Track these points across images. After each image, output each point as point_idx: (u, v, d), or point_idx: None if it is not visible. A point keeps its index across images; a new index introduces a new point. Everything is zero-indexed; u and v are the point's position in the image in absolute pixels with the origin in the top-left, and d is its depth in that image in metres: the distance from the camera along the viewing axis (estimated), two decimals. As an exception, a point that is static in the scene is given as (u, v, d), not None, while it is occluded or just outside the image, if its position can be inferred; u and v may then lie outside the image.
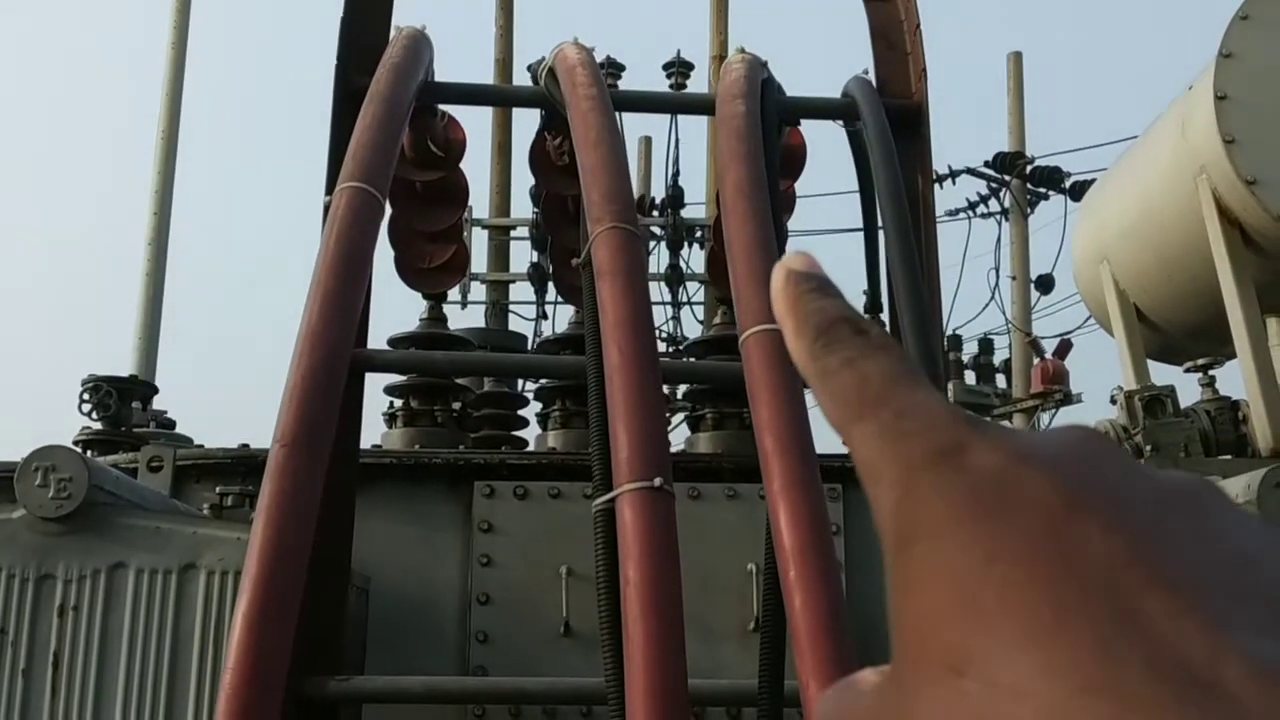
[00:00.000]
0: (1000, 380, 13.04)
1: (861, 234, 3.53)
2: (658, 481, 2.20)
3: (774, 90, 3.11)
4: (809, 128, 3.61)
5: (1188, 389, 5.37)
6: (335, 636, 2.70)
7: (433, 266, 3.93)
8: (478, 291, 8.92)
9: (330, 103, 3.01)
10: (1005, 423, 11.60)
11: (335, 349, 2.31)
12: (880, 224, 3.04)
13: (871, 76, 3.29)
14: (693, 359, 4.58)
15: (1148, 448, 4.62)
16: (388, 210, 3.75)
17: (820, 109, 3.31)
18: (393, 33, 3.12)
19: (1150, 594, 0.29)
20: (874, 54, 3.31)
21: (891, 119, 3.03)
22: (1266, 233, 4.87)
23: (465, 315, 8.78)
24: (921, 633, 0.31)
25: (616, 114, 3.05)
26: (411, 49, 2.92)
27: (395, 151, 2.71)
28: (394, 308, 4.30)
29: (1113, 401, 5.20)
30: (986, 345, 13.06)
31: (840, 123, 3.27)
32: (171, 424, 5.22)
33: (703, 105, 3.26)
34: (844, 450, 0.38)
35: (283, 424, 2.20)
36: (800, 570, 2.15)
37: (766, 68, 3.16)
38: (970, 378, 12.60)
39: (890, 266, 2.86)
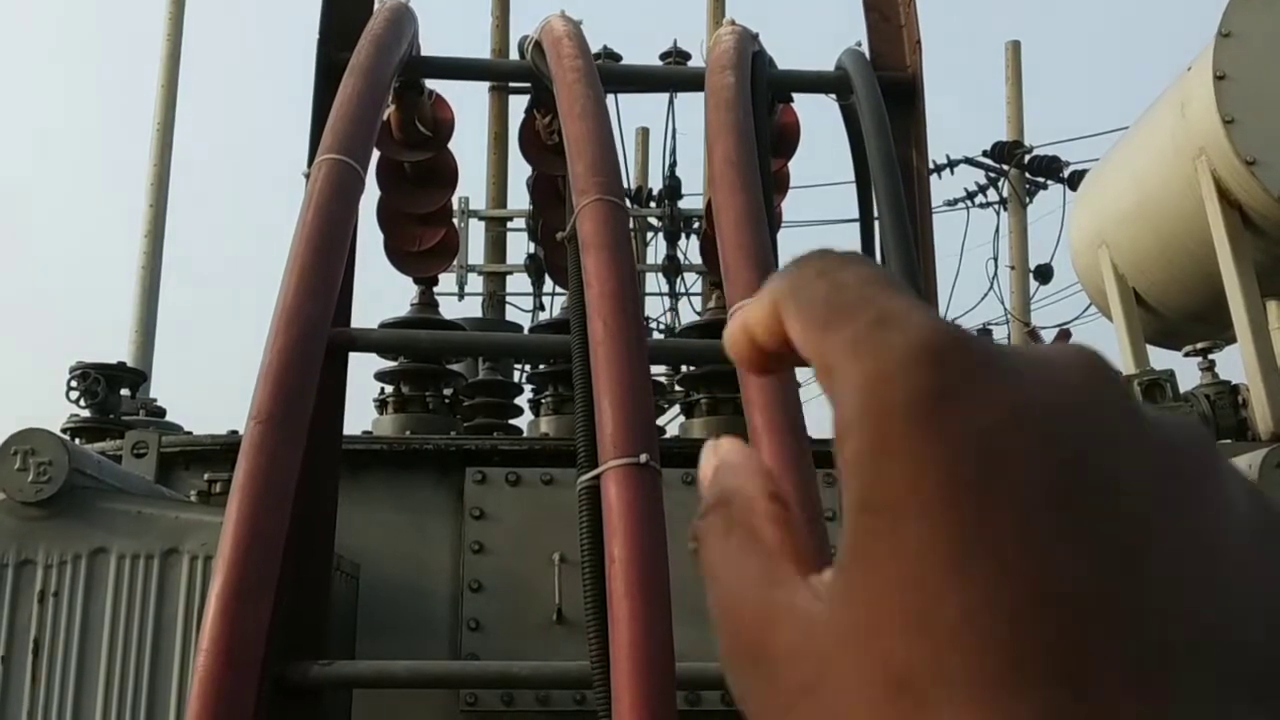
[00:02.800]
0: (1000, 370, 12.95)
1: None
2: (643, 458, 2.15)
3: (764, 63, 3.05)
4: (812, 115, 3.56)
5: (1187, 373, 5.31)
6: (319, 621, 2.64)
7: (422, 250, 3.88)
8: (475, 284, 8.88)
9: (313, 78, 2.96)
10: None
11: (312, 324, 2.25)
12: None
13: (865, 49, 3.23)
14: (687, 345, 4.50)
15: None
16: (377, 194, 3.71)
17: (812, 82, 3.25)
18: (376, 6, 3.06)
19: (1110, 661, 0.27)
20: (867, 26, 3.24)
21: (885, 91, 2.96)
22: (1267, 214, 4.81)
23: (463, 307, 8.76)
24: (873, 611, 0.29)
25: (610, 95, 2.99)
26: (394, 22, 2.86)
27: (376, 124, 2.65)
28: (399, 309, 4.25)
29: (1112, 385, 5.14)
30: (985, 335, 12.98)
31: (834, 97, 3.20)
32: (162, 412, 5.16)
33: (693, 80, 3.19)
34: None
35: (258, 401, 2.15)
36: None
37: (757, 40, 3.10)
38: (970, 368, 12.51)
39: (883, 242, 2.80)
